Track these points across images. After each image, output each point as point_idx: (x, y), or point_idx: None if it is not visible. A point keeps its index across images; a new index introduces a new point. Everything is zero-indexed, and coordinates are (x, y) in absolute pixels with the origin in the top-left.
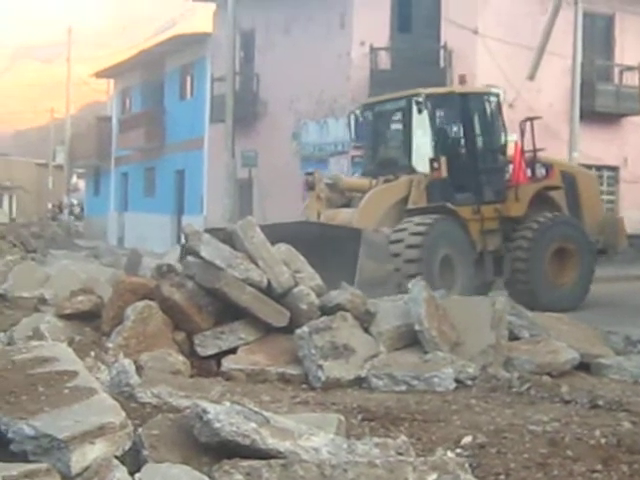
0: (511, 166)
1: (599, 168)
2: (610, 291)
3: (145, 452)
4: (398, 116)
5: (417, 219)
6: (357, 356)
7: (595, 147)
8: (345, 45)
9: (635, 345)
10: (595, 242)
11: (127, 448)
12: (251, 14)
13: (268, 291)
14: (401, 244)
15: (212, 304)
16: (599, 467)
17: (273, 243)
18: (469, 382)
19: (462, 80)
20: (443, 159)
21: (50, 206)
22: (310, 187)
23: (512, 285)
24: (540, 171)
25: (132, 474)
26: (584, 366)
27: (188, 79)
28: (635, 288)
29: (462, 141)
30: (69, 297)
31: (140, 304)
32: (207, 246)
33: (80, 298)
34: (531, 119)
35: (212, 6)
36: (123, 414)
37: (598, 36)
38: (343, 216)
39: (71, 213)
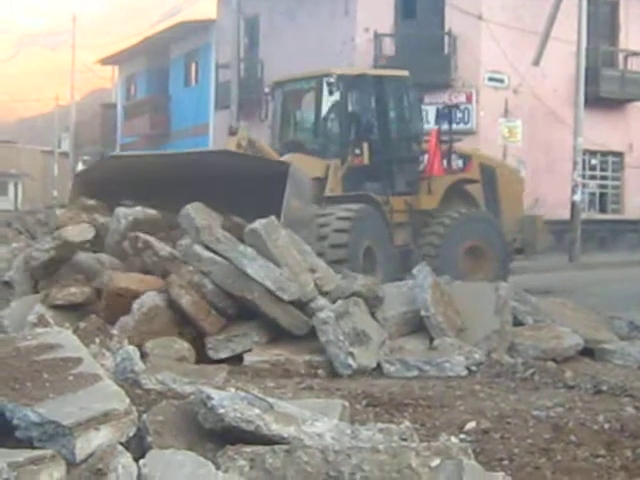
0: (426, 156)
1: (604, 154)
2: (614, 276)
3: (149, 438)
4: (309, 96)
5: (340, 208)
6: (374, 343)
7: (600, 133)
8: (349, 31)
9: (639, 330)
10: (512, 241)
11: (131, 434)
12: (255, 0)
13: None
14: (327, 229)
15: (231, 306)
16: (602, 452)
17: (191, 172)
18: (474, 368)
19: (380, 63)
20: (366, 145)
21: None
22: (232, 133)
23: None
24: (456, 163)
25: (137, 460)
26: (588, 351)
27: (193, 66)
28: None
29: (375, 126)
30: (60, 287)
31: (147, 302)
32: (253, 262)
33: (73, 290)
34: (449, 107)
35: None
36: (127, 400)
37: (602, 21)
38: None
39: None
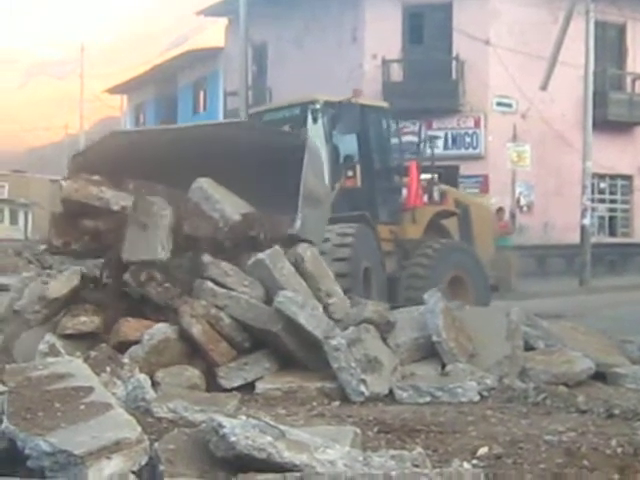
0: (405, 189)
1: (613, 177)
2: (625, 300)
3: (161, 467)
4: (290, 124)
5: (339, 226)
6: (386, 369)
7: (608, 156)
8: (357, 58)
9: None
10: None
11: (143, 463)
12: (263, 28)
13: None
14: (327, 245)
15: (248, 339)
16: (616, 476)
17: (202, 146)
18: (485, 393)
19: (357, 94)
20: (358, 167)
21: None
22: None
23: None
24: (436, 195)
25: None
26: (600, 375)
27: (201, 94)
28: None
29: (358, 156)
30: (71, 316)
31: (157, 335)
32: (302, 310)
33: (83, 319)
34: (430, 138)
35: (224, 21)
36: (139, 429)
37: (610, 45)
38: None
39: None
